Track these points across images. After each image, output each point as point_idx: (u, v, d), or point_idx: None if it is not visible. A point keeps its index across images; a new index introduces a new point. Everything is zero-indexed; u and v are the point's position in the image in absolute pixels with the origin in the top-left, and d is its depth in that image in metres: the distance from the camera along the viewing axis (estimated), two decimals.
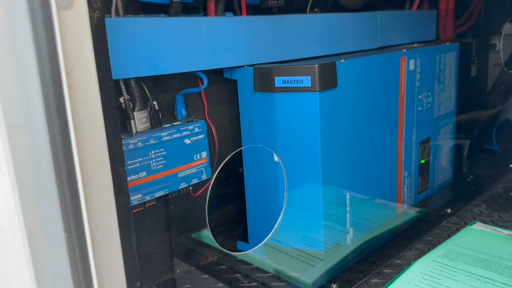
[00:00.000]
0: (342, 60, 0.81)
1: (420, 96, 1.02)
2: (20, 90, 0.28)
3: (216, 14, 0.75)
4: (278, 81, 0.78)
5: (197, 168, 0.79)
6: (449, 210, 1.06)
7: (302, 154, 0.80)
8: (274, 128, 0.81)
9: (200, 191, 0.86)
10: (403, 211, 1.05)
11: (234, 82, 0.86)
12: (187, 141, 0.76)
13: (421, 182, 1.10)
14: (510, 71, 1.52)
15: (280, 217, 0.74)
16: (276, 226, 0.72)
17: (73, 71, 0.30)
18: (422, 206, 1.10)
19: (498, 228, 0.95)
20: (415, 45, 1.16)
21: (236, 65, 0.81)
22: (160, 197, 0.76)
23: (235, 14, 0.80)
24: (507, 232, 0.93)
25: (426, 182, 1.12)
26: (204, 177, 0.80)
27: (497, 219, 1.01)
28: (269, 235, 0.73)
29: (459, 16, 1.37)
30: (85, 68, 0.31)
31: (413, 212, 1.07)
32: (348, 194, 0.87)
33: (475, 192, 1.17)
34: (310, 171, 0.80)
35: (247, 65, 0.82)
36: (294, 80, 0.77)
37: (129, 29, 0.63)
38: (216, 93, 0.88)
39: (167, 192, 0.76)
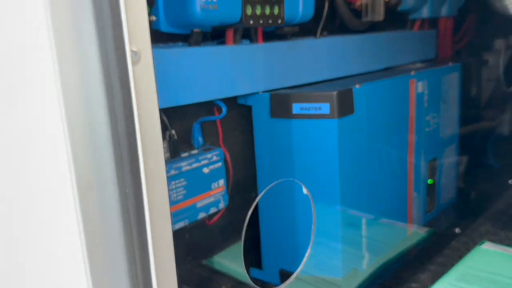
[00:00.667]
0: (357, 86, 0.81)
1: (427, 118, 1.04)
2: (93, 149, 0.27)
3: (234, 42, 0.74)
4: (296, 108, 0.78)
5: (215, 196, 0.77)
6: (457, 230, 1.07)
7: (320, 180, 0.80)
8: (291, 154, 0.81)
9: (215, 218, 0.84)
10: (413, 232, 1.06)
11: (248, 107, 0.86)
12: (206, 170, 0.75)
13: (429, 202, 1.11)
14: (510, 89, 1.56)
15: (309, 249, 0.73)
16: (305, 259, 0.71)
17: (144, 128, 0.29)
18: (429, 226, 1.10)
19: (508, 248, 0.96)
20: (418, 65, 1.18)
21: (253, 92, 0.80)
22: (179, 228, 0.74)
23: (251, 41, 0.80)
24: None
25: (433, 202, 1.13)
26: (221, 205, 0.79)
27: (504, 238, 1.02)
28: (300, 268, 0.72)
29: (455, 33, 1.41)
30: (152, 122, 0.30)
31: (422, 232, 1.07)
32: (364, 218, 0.87)
33: (479, 210, 1.19)
34: (328, 197, 0.80)
35: (262, 91, 0.82)
36: (312, 107, 0.77)
37: (159, 60, 0.62)
38: (230, 119, 0.87)
39: (187, 223, 0.74)
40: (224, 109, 0.76)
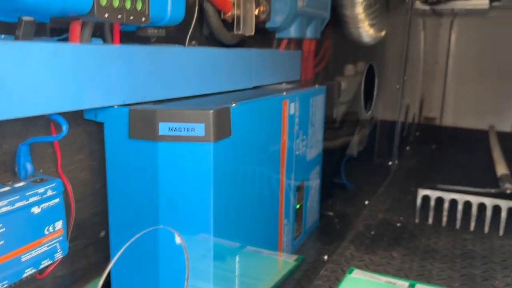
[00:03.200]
0: (233, 105, 0.71)
1: (297, 140, 0.99)
2: None
3: (81, 40, 0.57)
4: (163, 128, 0.63)
5: (49, 245, 0.58)
6: (325, 257, 1.03)
7: (189, 213, 0.66)
8: (154, 183, 0.65)
9: (48, 270, 0.64)
10: (283, 262, 0.99)
11: (97, 124, 0.68)
12: (36, 209, 0.55)
13: (296, 228, 1.06)
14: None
15: None
16: None
17: None
18: (298, 253, 1.05)
19: (374, 275, 0.95)
20: (284, 85, 1.13)
21: (105, 105, 0.63)
22: None
23: (105, 41, 0.63)
24: (384, 278, 0.94)
25: (300, 227, 1.08)
26: (58, 255, 0.59)
27: (369, 262, 1.02)
28: None
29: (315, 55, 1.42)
30: None
31: (292, 261, 1.01)
32: (237, 256, 0.76)
33: (341, 232, 1.19)
34: (199, 233, 0.67)
35: (118, 105, 0.65)
36: (184, 128, 0.63)
37: None
38: (73, 138, 0.68)
39: (5, 286, 0.53)
40: (64, 127, 0.57)
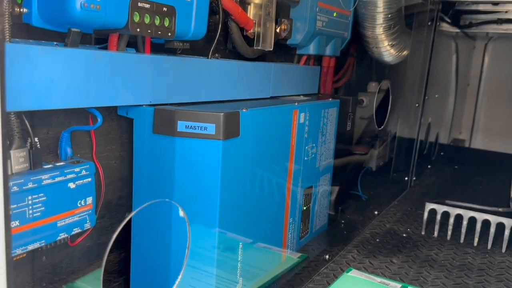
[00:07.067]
0: (244, 110, 0.81)
1: (307, 147, 1.08)
2: None
3: (117, 49, 0.69)
4: (181, 125, 0.75)
5: (80, 215, 0.70)
6: (327, 257, 1.11)
7: (200, 202, 0.77)
8: (172, 172, 0.77)
9: (79, 239, 0.76)
10: (287, 258, 1.07)
11: (129, 120, 0.80)
12: (72, 185, 0.67)
13: (303, 228, 1.14)
14: (380, 128, 1.71)
15: (180, 275, 0.69)
16: (177, 281, 0.67)
17: None
18: (302, 252, 1.14)
19: (370, 275, 1.03)
20: (301, 97, 1.23)
21: (135, 104, 0.75)
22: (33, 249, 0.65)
23: (137, 51, 0.75)
24: (378, 279, 1.01)
25: (307, 228, 1.17)
26: (87, 225, 0.72)
27: (369, 265, 1.09)
28: None
29: (336, 72, 1.52)
30: None
31: (296, 258, 1.10)
32: (241, 242, 0.86)
33: (347, 237, 1.26)
34: (206, 220, 0.77)
35: (146, 105, 0.77)
36: (198, 127, 0.74)
37: (22, 56, 0.54)
38: (107, 131, 0.80)
39: (43, 244, 0.65)
40: (99, 119, 0.70)
